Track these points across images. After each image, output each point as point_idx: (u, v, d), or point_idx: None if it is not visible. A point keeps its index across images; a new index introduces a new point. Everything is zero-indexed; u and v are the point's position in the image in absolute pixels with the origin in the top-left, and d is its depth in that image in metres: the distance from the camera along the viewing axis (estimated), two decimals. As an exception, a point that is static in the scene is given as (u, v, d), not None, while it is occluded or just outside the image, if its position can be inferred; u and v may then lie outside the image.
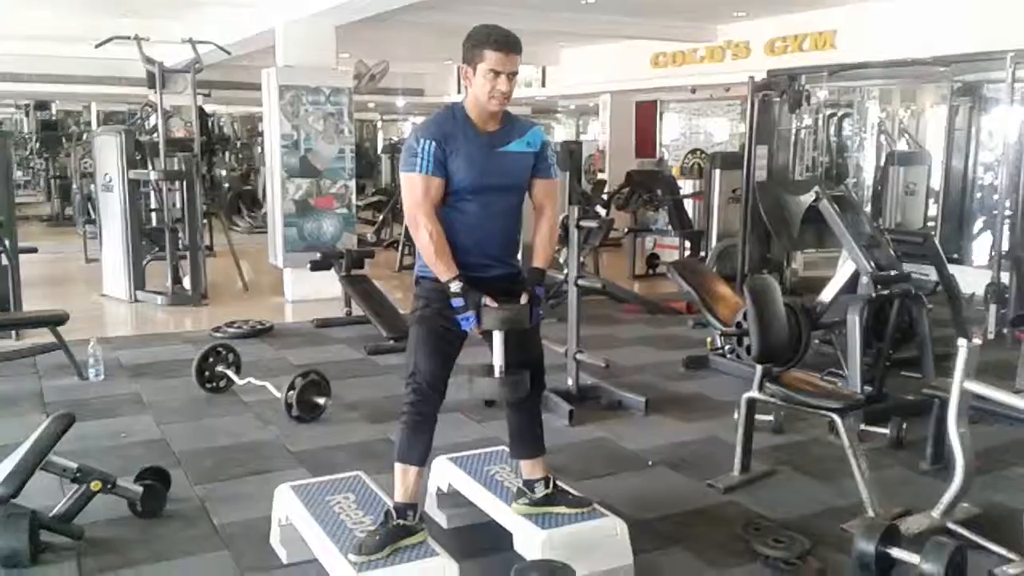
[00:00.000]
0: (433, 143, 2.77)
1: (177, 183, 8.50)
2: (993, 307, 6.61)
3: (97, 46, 8.15)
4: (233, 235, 9.96)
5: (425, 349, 2.87)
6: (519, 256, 3.09)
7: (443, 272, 2.80)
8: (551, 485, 3.08)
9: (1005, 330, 6.49)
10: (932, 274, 5.93)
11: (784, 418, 4.56)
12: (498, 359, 2.85)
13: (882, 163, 9.96)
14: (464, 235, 2.85)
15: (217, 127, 15.66)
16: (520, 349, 2.92)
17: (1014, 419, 4.51)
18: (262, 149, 11.71)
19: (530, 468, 3.10)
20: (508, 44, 2.77)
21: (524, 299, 2.86)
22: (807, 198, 5.26)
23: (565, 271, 5.08)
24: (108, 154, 8.34)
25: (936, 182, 9.47)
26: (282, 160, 8.14)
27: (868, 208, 9.35)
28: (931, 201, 9.51)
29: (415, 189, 2.79)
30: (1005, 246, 6.96)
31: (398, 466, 2.93)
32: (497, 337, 2.84)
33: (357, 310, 7.11)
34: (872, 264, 4.86)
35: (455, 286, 2.78)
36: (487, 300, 2.79)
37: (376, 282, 7.32)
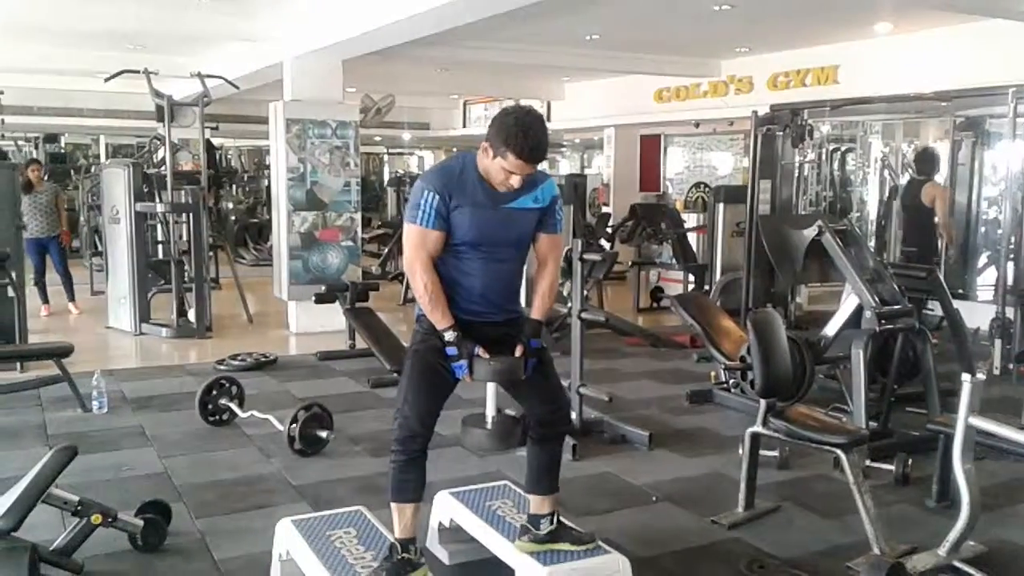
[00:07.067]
0: (437, 197, 2.76)
1: (184, 216, 8.56)
2: (998, 342, 6.59)
3: (107, 80, 8.25)
4: (239, 268, 10.00)
5: (417, 384, 2.88)
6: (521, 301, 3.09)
7: (438, 321, 2.83)
8: (555, 521, 3.06)
9: (1010, 365, 6.47)
10: (937, 309, 5.92)
11: (789, 453, 4.54)
12: (490, 409, 2.85)
13: (886, 197, 9.98)
14: (465, 283, 2.87)
15: (224, 160, 15.76)
16: (545, 399, 2.95)
17: (1020, 455, 4.50)
18: (269, 182, 11.79)
19: (539, 504, 3.09)
20: (534, 157, 2.71)
21: (519, 352, 2.87)
22: (810, 232, 5.27)
23: (569, 304, 5.08)
24: (116, 187, 8.41)
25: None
26: (288, 193, 8.20)
27: (872, 242, 9.35)
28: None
29: (414, 240, 2.81)
30: (1010, 281, 6.95)
31: (394, 505, 2.94)
32: (490, 388, 2.84)
33: (361, 343, 7.11)
34: (875, 298, 4.86)
35: (449, 335, 2.81)
36: (480, 351, 2.80)
37: (380, 315, 7.32)
